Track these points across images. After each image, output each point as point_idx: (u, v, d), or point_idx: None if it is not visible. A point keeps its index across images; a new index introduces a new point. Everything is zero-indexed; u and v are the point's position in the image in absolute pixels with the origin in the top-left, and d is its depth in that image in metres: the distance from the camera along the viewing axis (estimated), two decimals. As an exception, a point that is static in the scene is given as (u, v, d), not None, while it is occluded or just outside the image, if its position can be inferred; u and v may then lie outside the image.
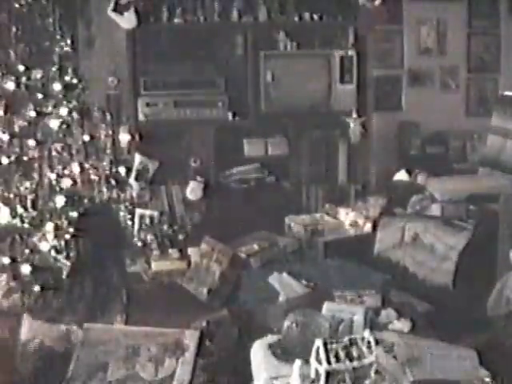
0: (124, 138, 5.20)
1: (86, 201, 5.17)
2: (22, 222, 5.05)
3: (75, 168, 5.13)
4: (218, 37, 5.36)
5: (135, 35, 5.21)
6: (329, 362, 3.30)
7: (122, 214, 5.25)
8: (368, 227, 5.27)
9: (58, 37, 5.04)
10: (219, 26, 5.33)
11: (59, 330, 4.55)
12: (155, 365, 4.32)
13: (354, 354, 3.34)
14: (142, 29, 5.19)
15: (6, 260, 4.98)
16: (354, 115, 5.50)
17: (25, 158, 5.07)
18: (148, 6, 5.19)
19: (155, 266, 5.17)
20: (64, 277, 5.00)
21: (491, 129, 5.41)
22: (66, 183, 5.11)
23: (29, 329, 4.55)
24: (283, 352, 3.88)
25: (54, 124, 5.06)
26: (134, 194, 5.27)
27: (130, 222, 5.27)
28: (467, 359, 3.86)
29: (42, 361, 4.40)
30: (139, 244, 5.27)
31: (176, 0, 5.26)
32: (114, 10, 5.10)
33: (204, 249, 5.11)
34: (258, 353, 3.93)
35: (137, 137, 5.22)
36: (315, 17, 5.40)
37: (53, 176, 5.10)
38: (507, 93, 5.47)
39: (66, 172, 5.13)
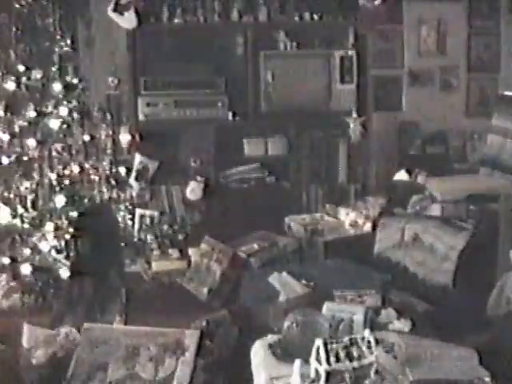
0: (124, 137, 5.20)
1: (85, 201, 5.17)
2: (22, 221, 5.05)
3: (75, 168, 5.13)
4: (218, 37, 5.36)
5: (135, 35, 5.21)
6: (329, 362, 3.30)
7: (122, 213, 5.25)
8: (368, 227, 5.27)
9: (58, 37, 5.04)
10: (219, 26, 5.33)
11: (60, 333, 4.55)
12: (155, 365, 4.32)
13: (354, 354, 3.34)
14: (142, 29, 5.19)
15: (6, 260, 4.98)
16: (354, 115, 5.50)
17: (25, 158, 5.07)
18: (148, 6, 5.19)
19: (155, 266, 5.17)
20: (64, 277, 5.00)
21: (491, 129, 5.41)
22: (66, 183, 5.12)
23: (30, 336, 4.55)
24: (283, 352, 3.88)
25: (54, 124, 5.06)
26: (134, 194, 5.27)
27: (130, 222, 5.27)
28: (467, 359, 3.86)
29: (45, 364, 4.42)
30: (139, 244, 5.27)
31: (176, 0, 5.26)
32: (114, 10, 5.10)
33: (204, 249, 5.11)
34: (258, 353, 3.93)
35: (137, 137, 5.22)
36: (315, 17, 5.40)
37: (53, 176, 5.11)
38: (507, 93, 5.47)
39: (66, 172, 5.13)
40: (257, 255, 5.08)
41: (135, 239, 5.27)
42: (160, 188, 5.33)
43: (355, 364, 3.32)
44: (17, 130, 5.04)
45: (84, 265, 5.07)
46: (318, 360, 3.33)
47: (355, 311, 4.19)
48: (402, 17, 5.52)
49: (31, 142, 5.03)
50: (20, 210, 5.05)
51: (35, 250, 5.04)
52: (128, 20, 5.14)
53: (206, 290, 4.92)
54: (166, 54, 5.29)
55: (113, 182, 5.22)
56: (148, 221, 5.28)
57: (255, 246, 5.15)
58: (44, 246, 5.03)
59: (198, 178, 5.34)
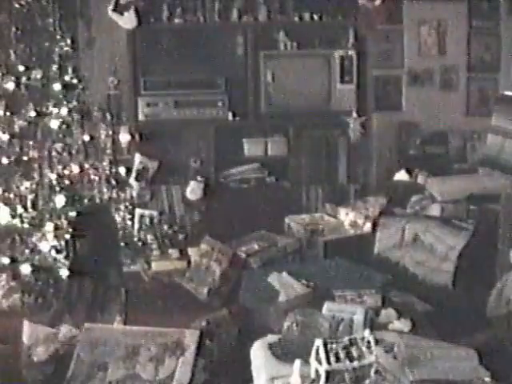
0: (124, 137, 5.20)
1: (85, 201, 5.17)
2: (22, 222, 5.05)
3: (75, 168, 5.13)
4: (218, 37, 5.36)
5: (135, 35, 5.21)
6: (329, 362, 3.30)
7: (121, 213, 5.25)
8: (368, 227, 5.27)
9: (58, 37, 5.04)
10: (219, 25, 5.33)
11: (60, 331, 4.55)
12: (155, 365, 4.32)
13: (354, 354, 3.35)
14: (142, 29, 5.19)
15: (6, 260, 4.98)
16: (354, 115, 5.49)
17: (25, 158, 5.07)
18: (148, 6, 5.19)
19: (155, 265, 5.17)
20: (64, 277, 5.00)
21: (491, 129, 5.41)
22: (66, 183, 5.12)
23: (30, 333, 4.55)
24: (283, 352, 3.88)
25: (54, 124, 5.06)
26: (134, 194, 5.27)
27: (129, 222, 5.26)
28: (467, 359, 3.86)
29: (46, 363, 4.42)
30: (139, 244, 5.27)
31: (176, 0, 5.26)
32: (114, 10, 5.10)
33: (204, 249, 5.11)
34: (258, 353, 3.93)
35: (137, 137, 5.21)
36: (315, 17, 5.40)
37: (53, 176, 5.11)
38: (507, 93, 5.47)
39: (66, 172, 5.13)
40: (257, 255, 5.08)
41: (135, 239, 5.26)
42: (160, 188, 5.33)
43: (355, 364, 3.32)
44: (17, 129, 5.04)
45: (84, 265, 5.07)
46: (318, 360, 3.34)
47: (355, 311, 4.20)
48: (401, 17, 5.51)
49: (31, 142, 5.03)
50: (20, 210, 5.05)
51: (35, 249, 5.04)
52: (128, 20, 5.14)
53: (205, 290, 4.92)
54: (166, 54, 5.29)
55: (113, 182, 5.22)
56: (148, 221, 5.28)
57: (255, 246, 5.15)
58: (44, 246, 5.03)
59: (198, 178, 5.34)
